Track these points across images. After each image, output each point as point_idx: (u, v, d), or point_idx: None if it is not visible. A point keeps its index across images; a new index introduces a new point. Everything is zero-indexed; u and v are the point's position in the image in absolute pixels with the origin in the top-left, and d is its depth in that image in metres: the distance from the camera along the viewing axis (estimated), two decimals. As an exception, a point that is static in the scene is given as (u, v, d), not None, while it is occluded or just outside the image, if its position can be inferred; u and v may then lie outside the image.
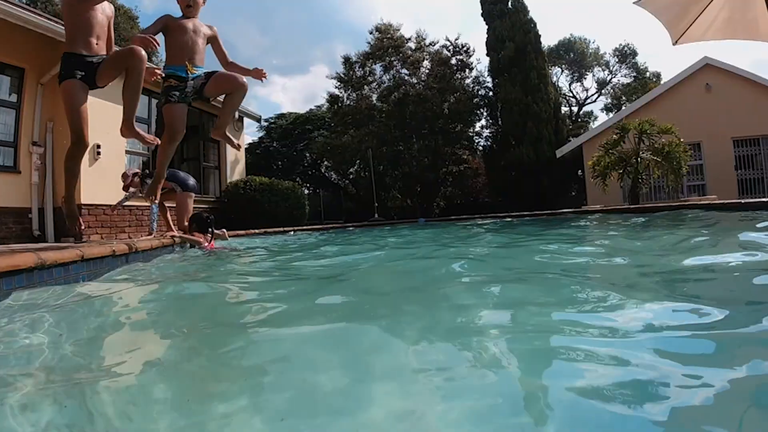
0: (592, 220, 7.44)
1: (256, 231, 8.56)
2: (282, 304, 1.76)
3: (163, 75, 3.99)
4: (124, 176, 6.22)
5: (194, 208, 6.39)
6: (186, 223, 5.83)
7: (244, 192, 10.92)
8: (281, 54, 55.68)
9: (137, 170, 6.38)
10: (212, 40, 4.21)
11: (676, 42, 8.35)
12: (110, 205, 7.29)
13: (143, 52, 3.36)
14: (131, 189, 6.31)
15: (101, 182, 7.88)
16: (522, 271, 2.55)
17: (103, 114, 8.02)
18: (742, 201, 7.70)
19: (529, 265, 2.82)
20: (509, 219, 10.48)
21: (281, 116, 27.19)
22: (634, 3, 7.80)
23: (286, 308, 1.67)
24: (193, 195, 6.33)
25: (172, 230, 6.04)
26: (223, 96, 4.16)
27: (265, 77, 4.20)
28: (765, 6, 7.08)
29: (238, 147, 4.80)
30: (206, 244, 5.22)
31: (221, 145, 12.17)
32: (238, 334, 1.39)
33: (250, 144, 23.69)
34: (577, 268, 2.50)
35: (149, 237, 5.69)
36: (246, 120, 13.45)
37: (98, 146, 7.86)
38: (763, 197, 7.60)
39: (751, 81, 14.26)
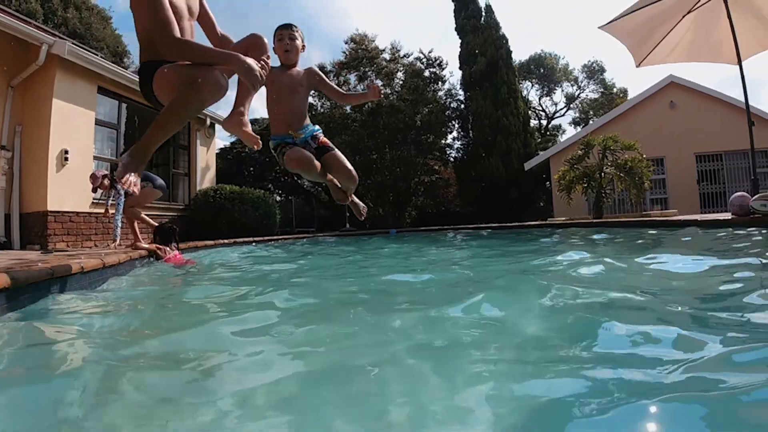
0: (555, 236, 7.70)
1: (225, 241, 8.52)
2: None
3: (271, 146, 3.39)
4: (93, 177, 6.01)
5: (162, 216, 6.34)
6: (132, 207, 5.96)
7: (214, 200, 10.82)
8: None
9: (106, 172, 6.23)
10: (318, 85, 3.50)
11: (639, 64, 8.75)
12: (78, 213, 7.17)
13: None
14: (99, 191, 6.21)
15: (69, 188, 7.73)
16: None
17: (71, 119, 7.90)
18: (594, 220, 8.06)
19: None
20: (483, 231, 10.82)
21: (254, 121, 27.01)
22: (599, 28, 8.14)
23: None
24: (159, 194, 6.28)
25: (139, 240, 5.98)
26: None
27: (381, 95, 3.40)
28: (729, 29, 7.48)
29: (360, 215, 3.87)
30: (167, 256, 5.20)
31: (191, 150, 12.05)
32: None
33: (221, 149, 23.42)
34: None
35: (113, 249, 5.63)
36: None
37: (66, 152, 7.71)
38: (725, 211, 8.02)
39: (714, 98, 14.94)
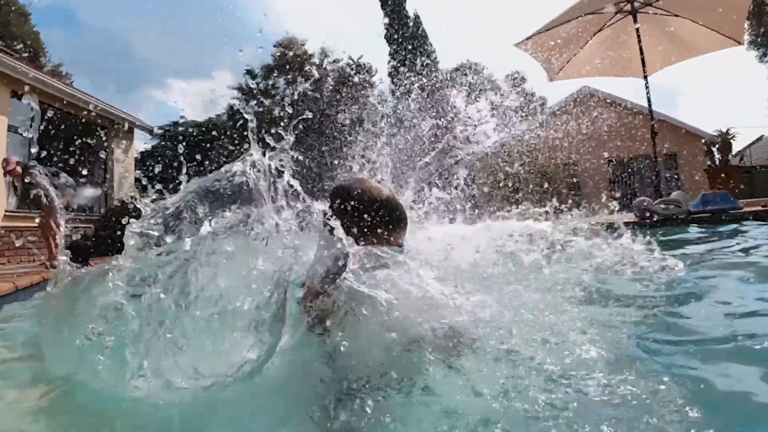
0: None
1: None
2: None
3: None
4: (5, 161, 5.51)
5: (75, 228, 5.92)
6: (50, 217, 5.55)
7: (135, 210, 10.23)
8: (182, 57, 52.92)
9: (18, 159, 5.71)
10: None
11: (553, 79, 9.35)
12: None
13: None
14: (8, 177, 5.70)
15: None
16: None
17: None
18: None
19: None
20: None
21: (178, 123, 25.84)
22: (514, 45, 8.61)
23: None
24: (72, 192, 5.92)
25: (55, 258, 5.52)
26: None
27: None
28: (637, 46, 8.14)
29: None
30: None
31: (108, 154, 11.31)
32: None
33: (141, 153, 22.23)
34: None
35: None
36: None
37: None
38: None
39: (626, 107, 16.13)
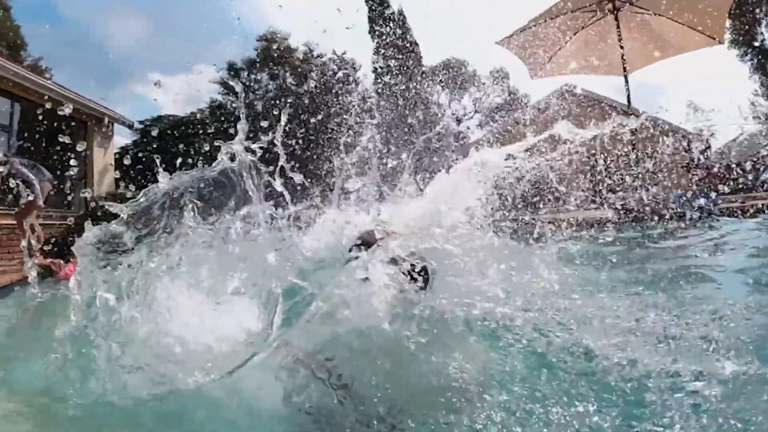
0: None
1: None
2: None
3: None
4: None
5: (54, 226, 5.81)
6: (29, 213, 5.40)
7: (107, 216, 10.02)
8: (164, 50, 51.88)
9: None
10: None
11: (535, 77, 9.45)
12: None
13: None
14: None
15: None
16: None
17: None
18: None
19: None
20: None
21: (159, 119, 25.37)
22: (496, 42, 8.68)
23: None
24: (50, 187, 5.81)
25: (38, 251, 5.38)
26: None
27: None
28: (618, 44, 8.26)
29: None
30: (64, 271, 4.75)
31: (88, 149, 11.07)
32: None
33: (122, 149, 21.82)
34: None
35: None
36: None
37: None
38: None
39: (605, 104, 16.36)
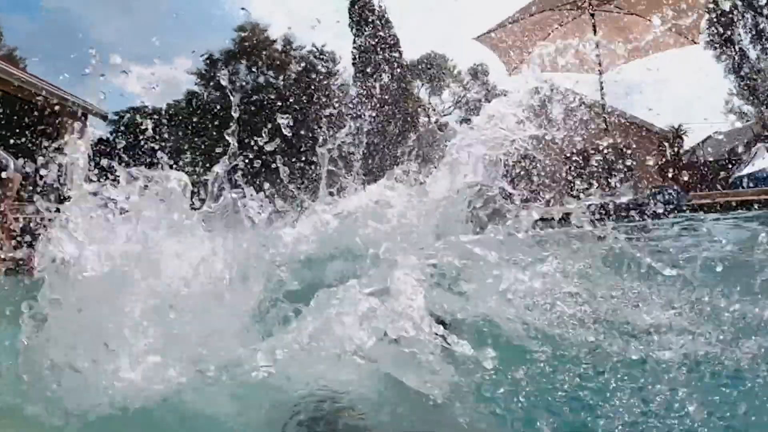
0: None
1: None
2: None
3: None
4: None
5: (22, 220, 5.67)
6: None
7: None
8: (142, 41, 50.49)
9: None
10: None
11: (512, 74, 9.57)
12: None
13: None
14: None
15: None
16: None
17: None
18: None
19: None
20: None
21: (135, 110, 24.84)
22: (473, 39, 8.78)
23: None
24: (20, 177, 5.73)
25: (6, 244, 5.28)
26: None
27: None
28: (594, 43, 8.42)
29: None
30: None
31: (61, 139, 10.81)
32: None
33: (96, 143, 21.35)
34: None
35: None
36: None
37: None
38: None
39: (582, 100, 16.62)
